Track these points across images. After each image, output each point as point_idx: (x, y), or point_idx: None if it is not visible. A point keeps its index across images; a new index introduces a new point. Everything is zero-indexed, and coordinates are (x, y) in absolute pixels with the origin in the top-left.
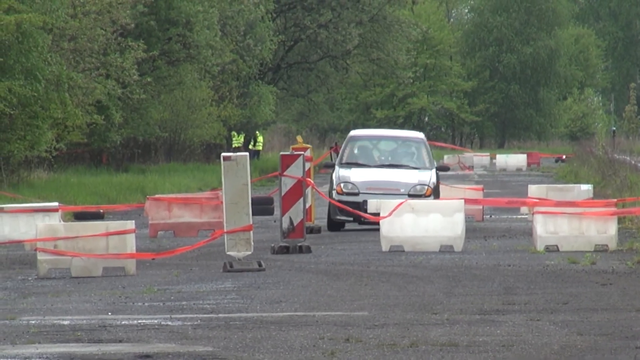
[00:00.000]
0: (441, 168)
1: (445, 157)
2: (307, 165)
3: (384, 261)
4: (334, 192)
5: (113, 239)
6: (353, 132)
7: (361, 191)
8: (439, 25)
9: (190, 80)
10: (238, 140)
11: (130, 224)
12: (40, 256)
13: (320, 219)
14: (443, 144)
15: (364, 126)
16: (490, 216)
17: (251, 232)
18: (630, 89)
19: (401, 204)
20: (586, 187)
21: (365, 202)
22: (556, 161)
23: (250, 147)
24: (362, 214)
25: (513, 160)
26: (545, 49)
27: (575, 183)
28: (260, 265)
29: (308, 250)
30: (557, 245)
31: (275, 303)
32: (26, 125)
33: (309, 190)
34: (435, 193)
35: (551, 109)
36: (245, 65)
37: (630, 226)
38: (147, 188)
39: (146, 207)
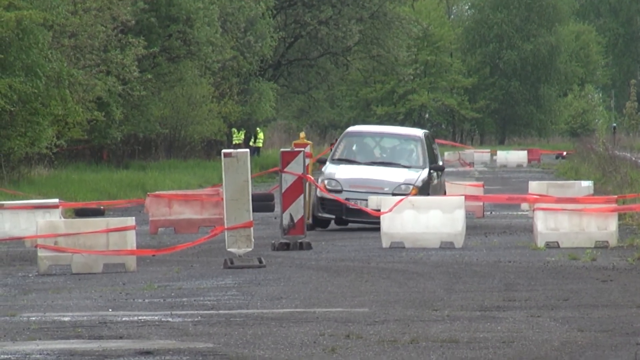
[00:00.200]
0: (436, 168)
1: (446, 153)
2: (307, 161)
3: (385, 257)
4: (317, 189)
5: (113, 235)
6: (350, 128)
7: (344, 189)
8: (439, 21)
9: (190, 77)
10: (238, 136)
11: (131, 221)
12: (41, 253)
13: None
14: (443, 141)
15: (364, 123)
16: (491, 212)
17: (252, 228)
18: (631, 85)
19: (401, 200)
20: (587, 184)
21: (347, 200)
22: (557, 158)
23: (251, 143)
24: (366, 209)
25: (513, 156)
26: (545, 46)
27: (575, 179)
28: (260, 261)
29: (308, 246)
30: (557, 242)
31: (276, 299)
32: (27, 122)
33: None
34: (422, 193)
35: (552, 106)
36: (245, 61)
37: (630, 222)
38: (148, 185)
39: (146, 204)
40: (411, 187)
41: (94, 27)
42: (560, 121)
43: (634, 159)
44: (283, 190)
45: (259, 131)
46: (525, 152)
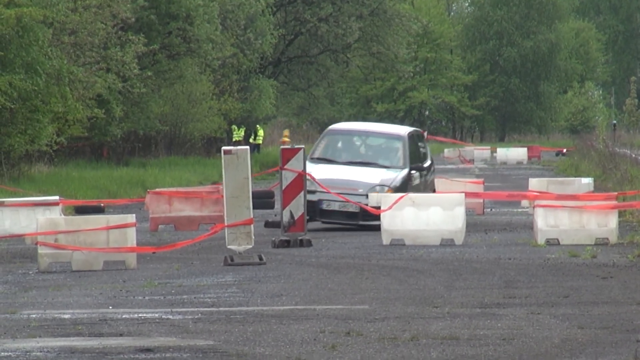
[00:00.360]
0: (418, 168)
1: (446, 150)
2: None
3: (385, 255)
4: None
5: (114, 232)
6: (332, 126)
7: (318, 189)
8: (439, 18)
9: (190, 74)
10: (238, 134)
11: (131, 218)
12: (41, 250)
13: None
14: (443, 139)
15: (364, 120)
16: (491, 210)
17: (252, 225)
18: (631, 82)
19: (402, 197)
20: (587, 181)
21: (320, 201)
22: (557, 155)
23: (251, 140)
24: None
25: (514, 153)
26: (545, 43)
27: (575, 176)
28: (261, 259)
29: (309, 243)
30: (557, 239)
31: (276, 297)
32: (27, 120)
33: None
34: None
35: (552, 103)
36: (245, 59)
37: (630, 219)
38: (148, 182)
39: (147, 201)
40: (386, 188)
41: (94, 24)
42: (560, 118)
43: (634, 156)
44: (283, 188)
45: (258, 128)
46: (525, 149)
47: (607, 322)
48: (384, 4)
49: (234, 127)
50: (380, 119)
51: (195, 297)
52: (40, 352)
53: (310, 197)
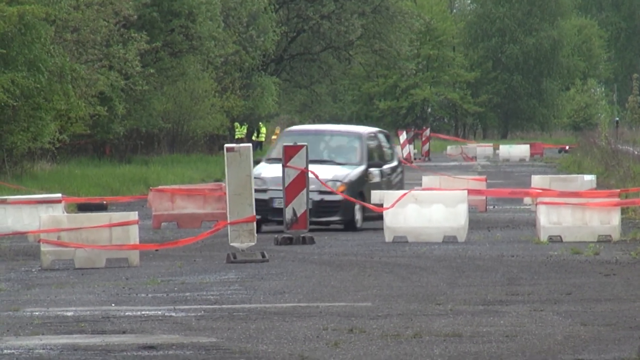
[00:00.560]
0: (376, 165)
1: (449, 148)
2: None
3: (388, 252)
4: None
5: (116, 230)
6: (289, 128)
7: (269, 187)
8: (441, 16)
9: (193, 71)
10: (241, 131)
11: (134, 215)
12: (44, 247)
13: None
14: (446, 136)
15: (367, 117)
16: (494, 207)
17: (254, 223)
18: (633, 79)
19: (404, 195)
20: (589, 178)
21: (272, 199)
22: (559, 152)
23: (253, 138)
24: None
25: (516, 150)
26: (548, 40)
27: (578, 173)
28: (263, 256)
29: (311, 241)
30: (560, 236)
31: (279, 294)
32: (29, 117)
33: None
34: (354, 190)
35: (554, 100)
36: (248, 56)
37: (633, 216)
38: (150, 179)
39: (149, 199)
40: (339, 183)
41: (96, 21)
42: (563, 115)
43: (636, 152)
44: (286, 185)
45: (261, 126)
46: (528, 146)
47: (610, 319)
48: (387, 1)
49: (237, 124)
50: (383, 116)
51: (198, 295)
52: (43, 349)
53: (260, 195)
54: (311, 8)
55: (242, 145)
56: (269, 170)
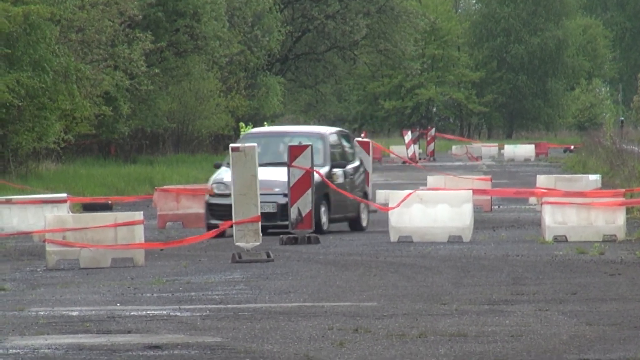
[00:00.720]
0: (339, 165)
1: (454, 147)
2: None
3: (393, 252)
4: (207, 195)
5: (121, 230)
6: (249, 131)
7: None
8: (446, 15)
9: (198, 71)
10: (246, 131)
11: (139, 215)
12: (49, 247)
13: None
14: (451, 136)
15: (372, 117)
16: (499, 206)
17: (259, 222)
18: (638, 79)
19: (409, 194)
20: (594, 177)
21: None
22: (564, 151)
23: None
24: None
25: (521, 150)
26: (553, 40)
27: (583, 173)
28: (268, 256)
29: (316, 240)
30: (565, 236)
31: (284, 294)
32: (34, 117)
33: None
34: (319, 191)
35: (559, 100)
36: (253, 56)
37: (638, 216)
38: (155, 179)
39: (154, 198)
40: None
41: (101, 21)
42: (568, 115)
43: None
44: (291, 185)
45: (266, 125)
46: (533, 146)
47: (616, 319)
48: (391, 1)
49: (242, 124)
50: (388, 115)
51: (203, 294)
52: (49, 349)
53: (224, 200)
54: (316, 8)
55: (247, 145)
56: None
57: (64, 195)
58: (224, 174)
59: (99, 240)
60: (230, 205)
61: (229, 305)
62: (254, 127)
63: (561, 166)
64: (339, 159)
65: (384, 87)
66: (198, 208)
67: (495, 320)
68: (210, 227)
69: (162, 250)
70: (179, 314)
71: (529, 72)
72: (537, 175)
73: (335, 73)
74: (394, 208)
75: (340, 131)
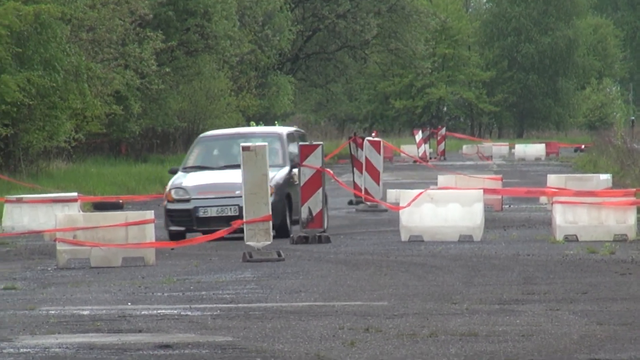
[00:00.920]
0: (297, 165)
1: (464, 147)
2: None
3: (404, 251)
4: (165, 201)
5: (132, 229)
6: (203, 134)
7: (192, 197)
8: (457, 15)
9: (208, 70)
10: None
11: (150, 214)
12: (60, 246)
13: (332, 209)
14: (461, 135)
15: (382, 117)
16: (510, 206)
17: (270, 222)
18: None
19: (420, 194)
20: (605, 177)
21: (196, 208)
22: (575, 151)
23: None
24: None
25: (532, 150)
26: (563, 39)
27: (594, 173)
28: (279, 255)
29: (327, 240)
30: (576, 235)
31: (295, 293)
32: (45, 116)
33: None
34: (281, 191)
35: (570, 99)
36: (263, 55)
37: None
38: (166, 178)
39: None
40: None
41: (112, 20)
42: (579, 114)
43: None
44: (302, 184)
45: (277, 125)
46: (544, 145)
47: (626, 319)
48: (402, 0)
49: (252, 123)
50: (398, 115)
51: (214, 294)
52: (59, 348)
53: (184, 205)
54: (327, 7)
55: (258, 144)
56: (190, 179)
57: (75, 194)
58: (182, 178)
59: (110, 240)
60: (189, 211)
61: (239, 305)
62: (264, 126)
63: (572, 166)
64: (297, 159)
65: (395, 87)
66: None
67: (506, 319)
68: (170, 233)
69: (173, 249)
70: (189, 313)
71: (540, 72)
72: (548, 175)
73: (345, 72)
74: (404, 207)
75: (296, 130)
